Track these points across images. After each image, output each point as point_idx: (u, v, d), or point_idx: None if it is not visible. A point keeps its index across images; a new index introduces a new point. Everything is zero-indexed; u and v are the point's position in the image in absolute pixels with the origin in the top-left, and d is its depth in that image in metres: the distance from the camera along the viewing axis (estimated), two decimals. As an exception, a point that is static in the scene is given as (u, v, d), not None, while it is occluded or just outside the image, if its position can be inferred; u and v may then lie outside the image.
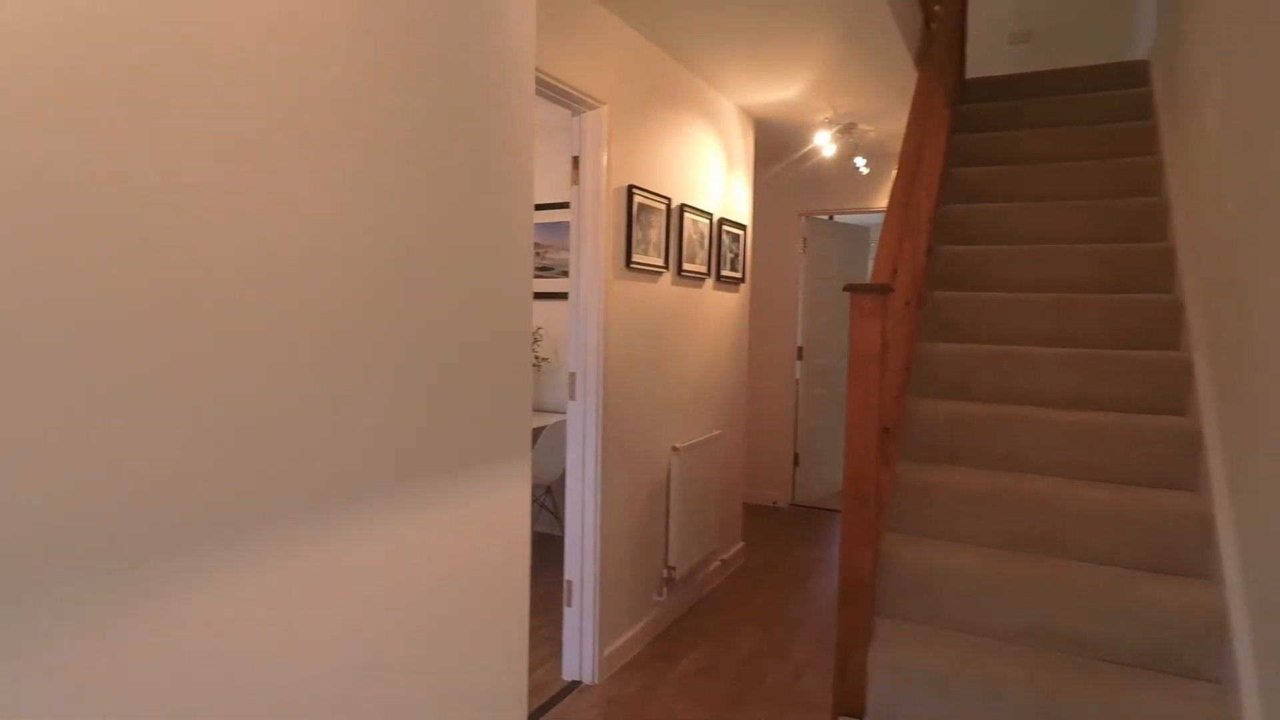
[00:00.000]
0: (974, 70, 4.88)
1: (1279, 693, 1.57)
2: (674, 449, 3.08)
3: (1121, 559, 2.20)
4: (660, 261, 2.93)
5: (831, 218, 5.43)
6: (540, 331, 4.30)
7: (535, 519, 4.36)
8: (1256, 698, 1.68)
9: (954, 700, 1.95)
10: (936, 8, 3.31)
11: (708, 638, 3.03)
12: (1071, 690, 1.86)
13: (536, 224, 4.30)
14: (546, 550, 4.02)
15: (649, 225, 2.83)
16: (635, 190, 2.70)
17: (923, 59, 3.01)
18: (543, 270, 4.30)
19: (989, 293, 2.96)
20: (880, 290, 1.95)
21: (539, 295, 4.32)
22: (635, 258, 2.73)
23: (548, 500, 4.32)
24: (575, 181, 2.53)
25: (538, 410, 4.28)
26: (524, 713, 1.43)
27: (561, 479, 4.09)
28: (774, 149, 4.60)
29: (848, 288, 1.98)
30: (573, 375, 2.57)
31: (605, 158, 2.52)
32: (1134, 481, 2.37)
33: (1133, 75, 3.89)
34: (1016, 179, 3.40)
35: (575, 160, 2.53)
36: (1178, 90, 3.11)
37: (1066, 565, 2.19)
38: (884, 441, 2.23)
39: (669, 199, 2.97)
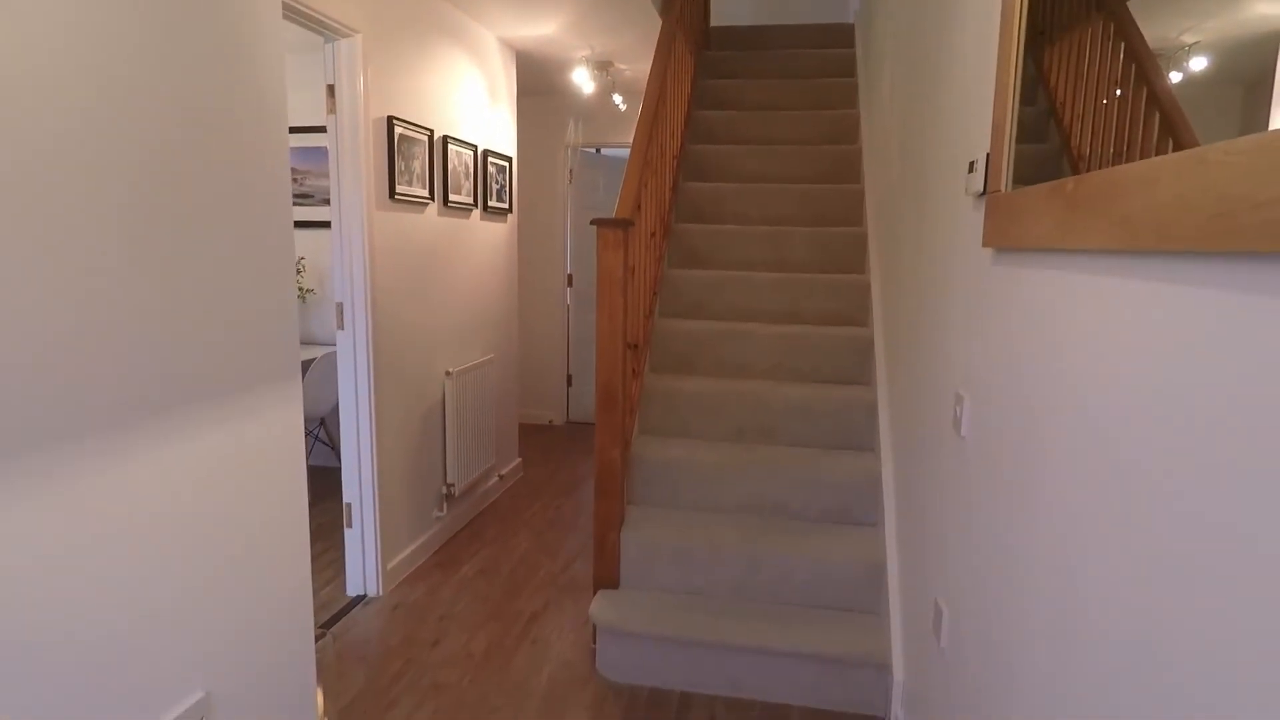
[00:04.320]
0: (718, 19, 5.30)
1: (906, 528, 2.16)
2: (447, 373, 3.24)
3: (816, 441, 2.77)
4: (425, 193, 3.01)
5: (599, 151, 5.69)
6: (303, 262, 4.16)
7: (309, 452, 4.31)
8: (895, 530, 2.29)
9: (687, 562, 2.39)
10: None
11: (488, 545, 3.30)
12: (771, 543, 2.37)
13: (293, 148, 4.08)
14: (323, 482, 4.02)
15: (412, 157, 2.89)
16: (396, 121, 2.73)
17: (666, 8, 3.28)
18: (301, 197, 4.13)
19: (723, 225, 3.40)
20: (621, 225, 2.23)
21: (299, 224, 4.16)
22: (399, 189, 2.79)
23: (321, 433, 4.28)
24: (331, 111, 2.52)
25: (305, 343, 4.18)
26: (310, 612, 1.59)
27: (334, 411, 4.07)
28: (538, 82, 4.71)
29: (594, 222, 2.24)
30: (340, 305, 2.61)
31: (362, 88, 2.53)
32: (826, 380, 2.95)
33: (843, 36, 4.50)
34: (747, 123, 3.86)
35: (330, 89, 2.52)
36: (869, 56, 3.70)
37: (776, 450, 2.71)
38: (633, 355, 2.57)
39: (431, 130, 3.03)
